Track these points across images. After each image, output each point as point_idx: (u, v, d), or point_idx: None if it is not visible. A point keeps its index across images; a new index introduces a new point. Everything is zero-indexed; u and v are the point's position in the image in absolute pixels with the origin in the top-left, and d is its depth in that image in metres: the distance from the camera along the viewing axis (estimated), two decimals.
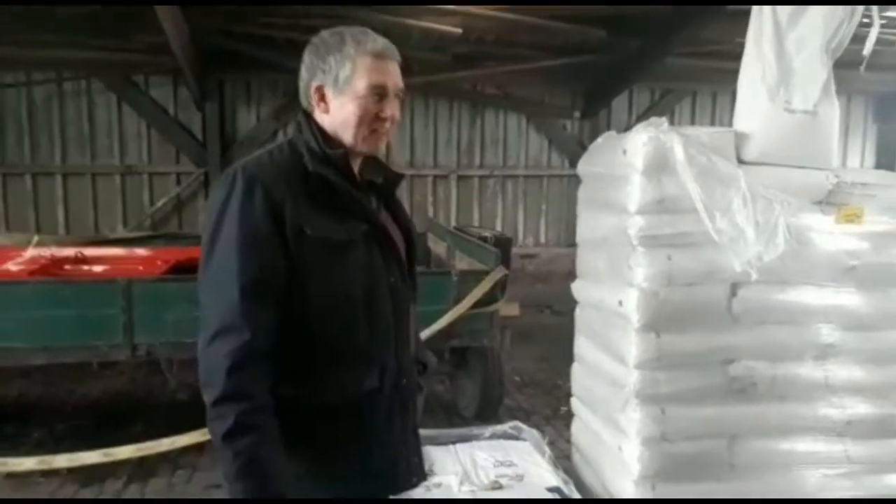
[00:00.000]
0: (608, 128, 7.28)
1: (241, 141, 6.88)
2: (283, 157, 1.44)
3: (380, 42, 1.43)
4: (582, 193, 3.19)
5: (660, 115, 7.68)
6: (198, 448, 3.50)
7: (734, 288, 2.62)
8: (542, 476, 2.95)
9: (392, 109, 1.44)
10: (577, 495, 2.70)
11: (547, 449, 3.18)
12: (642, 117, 7.27)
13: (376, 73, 1.41)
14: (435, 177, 7.35)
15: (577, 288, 3.21)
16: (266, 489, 1.30)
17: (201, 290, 1.37)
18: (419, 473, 1.57)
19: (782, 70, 2.60)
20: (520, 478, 2.90)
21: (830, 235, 2.65)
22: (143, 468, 3.59)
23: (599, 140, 3.12)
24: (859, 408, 2.76)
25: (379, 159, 1.56)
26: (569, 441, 3.39)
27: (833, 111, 2.64)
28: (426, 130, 7.32)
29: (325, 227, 1.39)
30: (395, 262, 1.50)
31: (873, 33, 2.58)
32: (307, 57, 1.46)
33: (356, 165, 1.49)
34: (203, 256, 1.37)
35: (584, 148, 6.91)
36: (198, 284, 1.38)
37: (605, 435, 2.90)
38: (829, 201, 2.67)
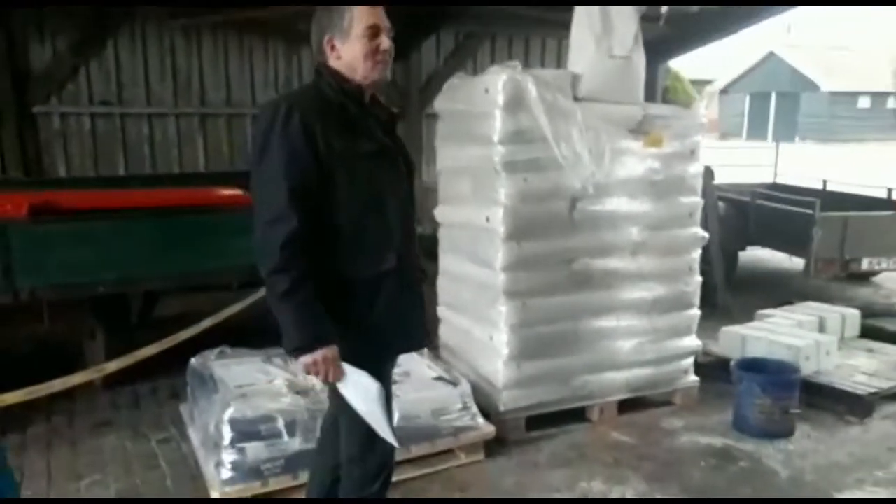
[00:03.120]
0: (420, 69, 7.76)
1: (36, 77, 6.27)
2: (311, 93, 1.86)
3: None
4: (442, 128, 3.65)
5: (463, 57, 8.22)
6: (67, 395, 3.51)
7: (574, 201, 3.27)
8: (423, 371, 3.45)
9: (386, 43, 1.86)
10: (462, 380, 3.24)
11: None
12: (449, 59, 7.84)
13: (369, 16, 1.83)
14: (254, 115, 7.32)
15: (442, 212, 3.71)
16: (322, 331, 1.76)
17: (255, 194, 1.79)
18: (425, 336, 2.10)
19: (605, 22, 3.23)
20: (407, 374, 3.37)
21: (640, 157, 3.40)
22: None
23: (454, 80, 3.58)
24: (660, 289, 3.61)
25: (380, 101, 1.92)
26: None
27: (641, 58, 3.35)
28: (242, 69, 7.23)
29: (347, 143, 1.80)
30: (400, 175, 1.91)
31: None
32: (317, 22, 1.86)
33: (367, 100, 1.90)
34: (255, 166, 1.78)
35: (397, 87, 7.32)
36: (252, 187, 1.79)
37: (476, 330, 3.48)
38: (638, 129, 3.39)
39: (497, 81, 3.09)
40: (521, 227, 3.19)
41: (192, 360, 3.38)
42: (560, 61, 8.14)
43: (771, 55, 30.38)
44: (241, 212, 3.87)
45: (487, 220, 3.23)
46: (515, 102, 3.08)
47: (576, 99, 3.25)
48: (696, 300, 3.77)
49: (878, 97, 29.74)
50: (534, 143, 3.13)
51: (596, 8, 3.22)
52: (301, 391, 3.01)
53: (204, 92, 7.03)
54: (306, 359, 1.77)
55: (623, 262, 3.48)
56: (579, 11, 3.28)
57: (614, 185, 3.35)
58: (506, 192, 3.15)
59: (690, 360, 3.84)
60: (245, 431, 2.78)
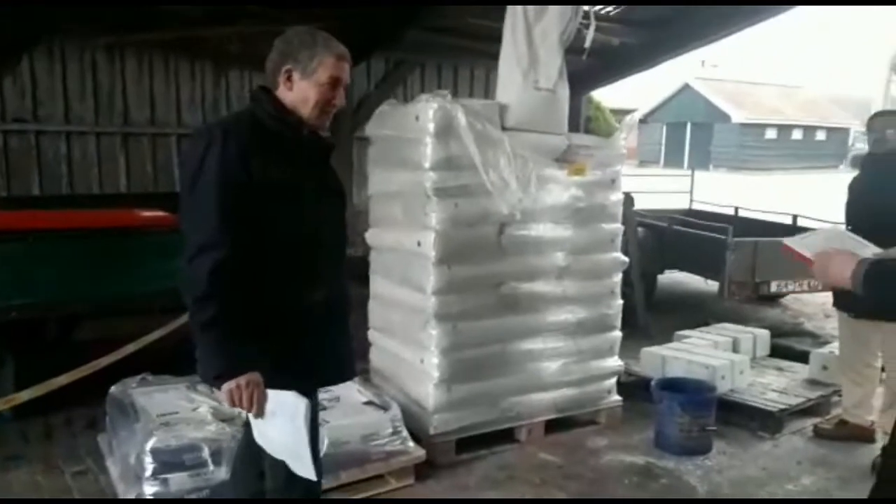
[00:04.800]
0: (351, 93, 7.78)
1: None
2: (247, 119, 1.85)
3: (341, 47, 1.88)
4: (373, 153, 3.69)
5: (393, 83, 8.30)
6: None
7: (502, 227, 3.36)
8: (353, 395, 3.44)
9: (341, 99, 1.90)
10: (392, 405, 3.25)
11: None
12: (380, 84, 7.90)
13: (337, 68, 1.86)
14: (179, 135, 7.16)
15: (373, 235, 3.73)
16: (246, 357, 1.73)
17: (185, 219, 1.75)
18: (352, 370, 2.09)
19: (531, 56, 3.36)
20: (336, 399, 3.35)
21: (565, 185, 3.52)
22: None
23: (385, 107, 3.63)
24: (584, 312, 3.73)
25: (318, 133, 1.94)
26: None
27: (565, 90, 3.49)
28: (168, 89, 7.07)
29: (282, 172, 1.80)
30: (334, 205, 1.92)
31: (591, 30, 3.46)
32: (281, 45, 1.87)
33: (305, 132, 1.91)
34: (186, 192, 1.76)
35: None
36: (182, 212, 1.76)
37: (407, 353, 3.50)
38: (563, 159, 3.52)
39: (428, 110, 3.16)
40: (451, 252, 3.25)
41: (112, 389, 3.26)
42: (487, 91, 8.33)
43: (686, 87, 31.96)
44: (164, 234, 3.84)
45: (419, 244, 3.27)
46: (446, 130, 3.15)
47: (504, 128, 3.36)
48: (618, 322, 3.92)
49: (784, 129, 31.68)
50: (463, 169, 3.21)
51: (523, 42, 3.34)
52: (227, 418, 2.95)
53: (127, 110, 6.82)
54: (229, 384, 1.74)
55: (549, 285, 3.59)
56: (507, 44, 3.40)
57: (540, 211, 3.46)
58: (437, 217, 3.20)
59: (613, 381, 3.97)
60: (168, 462, 2.70)
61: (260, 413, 1.79)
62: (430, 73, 8.64)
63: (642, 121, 32.66)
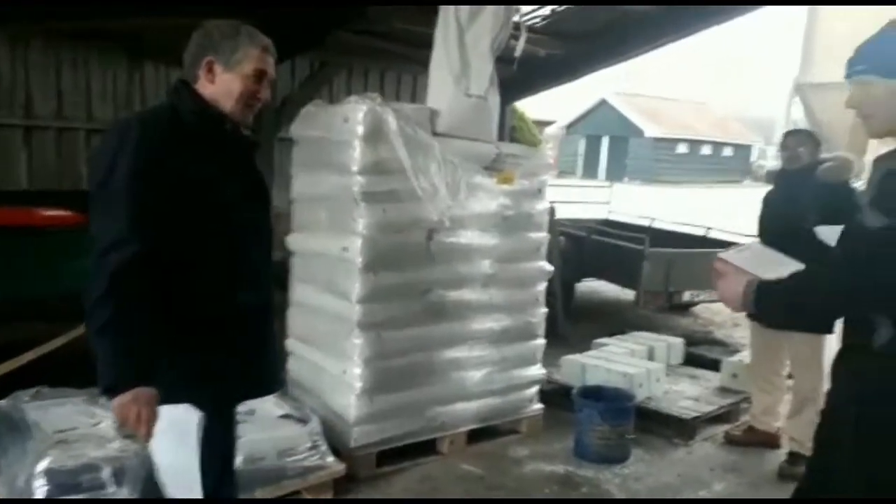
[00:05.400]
0: (275, 91, 7.55)
1: None
2: (166, 114, 1.72)
3: (266, 39, 1.78)
4: (298, 154, 3.57)
5: (320, 84, 8.13)
6: None
7: (431, 233, 3.31)
8: (270, 409, 3.30)
9: (266, 93, 1.80)
10: (312, 418, 3.13)
11: None
12: (305, 84, 7.71)
13: (262, 60, 1.76)
14: (88, 130, 6.75)
15: (296, 240, 3.60)
16: (141, 369, 1.58)
17: (94, 218, 1.60)
18: (278, 381, 1.93)
19: (463, 62, 3.34)
20: (252, 412, 3.20)
21: (493, 193, 3.51)
22: None
23: (311, 108, 3.52)
24: (509, 320, 3.73)
25: (240, 130, 1.82)
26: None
27: (496, 98, 3.48)
28: (76, 81, 6.65)
29: (203, 171, 1.69)
30: (257, 207, 1.80)
31: (522, 40, 3.47)
32: (201, 36, 1.75)
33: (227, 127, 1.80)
34: (96, 188, 1.61)
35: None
36: (91, 210, 1.60)
37: (328, 363, 3.39)
38: (492, 167, 3.51)
39: (357, 112, 3.08)
40: (378, 258, 3.17)
41: (1, 403, 2.99)
42: (414, 97, 8.29)
43: (603, 102, 33.01)
44: (68, 234, 3.58)
45: (345, 249, 3.18)
46: (375, 134, 3.08)
47: (434, 134, 3.31)
48: (542, 330, 3.94)
49: (694, 144, 33.22)
50: (393, 174, 3.14)
51: (454, 48, 3.31)
52: (131, 435, 2.75)
53: (30, 102, 6.37)
54: (118, 400, 1.58)
55: (475, 293, 3.56)
56: (438, 50, 3.36)
57: (469, 218, 3.43)
58: (364, 223, 3.12)
59: (536, 389, 3.99)
60: (63, 483, 2.48)
61: (148, 435, 1.62)
62: (356, 76, 8.52)
63: (563, 132, 33.52)
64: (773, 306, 1.81)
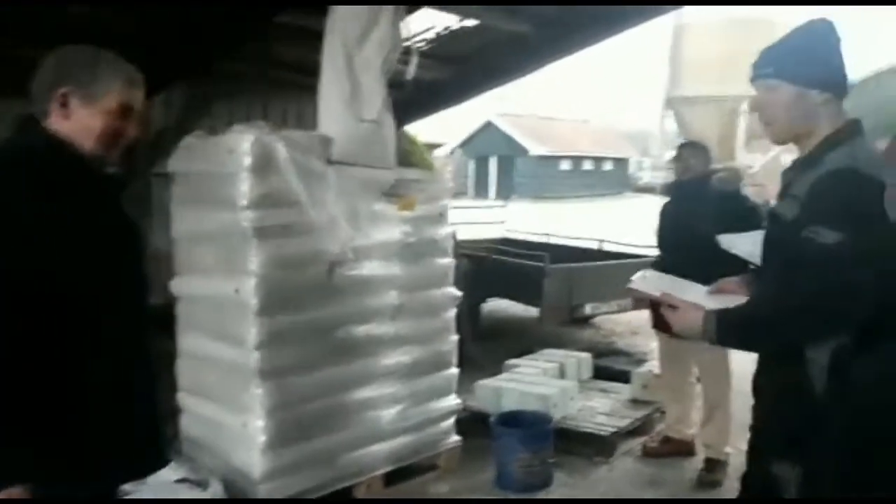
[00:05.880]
0: (146, 126, 7.07)
1: None
2: (19, 154, 1.46)
3: (132, 69, 1.55)
4: (178, 191, 3.26)
5: (198, 114, 7.72)
6: None
7: (332, 267, 3.09)
8: (163, 473, 2.94)
9: (134, 130, 1.56)
10: (211, 481, 2.81)
11: None
12: (181, 116, 7.27)
13: (128, 93, 1.53)
14: None
15: (180, 283, 3.27)
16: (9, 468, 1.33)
17: None
18: (165, 456, 1.65)
19: (354, 87, 3.16)
20: (142, 480, 2.85)
21: (395, 220, 3.35)
22: None
23: (191, 140, 3.23)
24: (419, 351, 3.55)
25: (103, 170, 1.55)
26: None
27: (391, 121, 3.33)
28: None
29: (66, 218, 1.43)
30: (131, 256, 1.53)
31: (413, 63, 3.35)
32: (53, 64, 1.50)
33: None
34: None
35: None
36: None
37: (226, 417, 3.07)
38: (391, 193, 3.35)
39: (243, 142, 2.83)
40: (275, 298, 2.92)
41: None
42: (302, 125, 8.01)
43: (489, 123, 33.83)
44: None
45: (237, 291, 2.90)
46: (264, 164, 2.84)
47: (329, 162, 3.11)
48: (455, 359, 3.80)
49: (577, 160, 34.63)
50: (286, 207, 2.91)
51: (343, 72, 3.14)
52: None
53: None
54: None
55: (383, 327, 3.37)
56: (326, 74, 3.18)
57: (372, 248, 3.25)
58: (257, 261, 2.86)
59: (452, 421, 3.82)
60: None
61: None
62: (238, 105, 8.15)
63: (451, 154, 33.97)
64: (735, 334, 1.81)
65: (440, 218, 3.64)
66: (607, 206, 28.19)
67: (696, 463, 3.82)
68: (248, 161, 2.81)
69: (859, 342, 1.72)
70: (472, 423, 4.08)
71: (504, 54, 6.60)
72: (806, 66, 1.78)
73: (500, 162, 33.68)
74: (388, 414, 3.43)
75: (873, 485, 0.85)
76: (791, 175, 1.85)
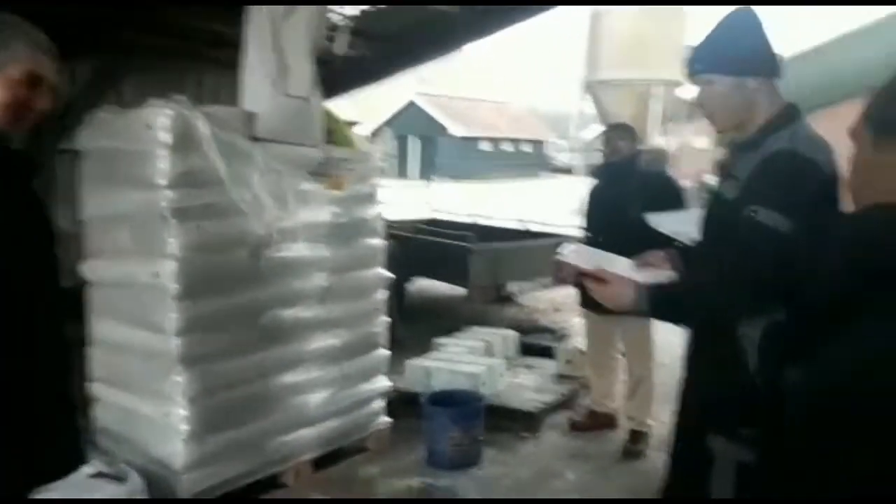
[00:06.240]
0: (63, 94, 6.58)
1: None
2: None
3: (41, 36, 1.44)
4: (88, 168, 3.05)
5: (106, 88, 7.28)
6: None
7: (258, 249, 2.99)
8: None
9: (44, 101, 1.47)
10: (130, 473, 2.68)
11: None
12: (88, 89, 6.83)
13: (33, 61, 1.43)
14: None
15: (92, 267, 3.08)
16: None
17: None
18: (80, 455, 1.53)
19: (280, 62, 3.04)
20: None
21: (323, 200, 3.26)
22: None
23: (102, 114, 3.03)
24: (349, 334, 3.50)
25: (9, 146, 1.40)
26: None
27: (318, 99, 3.23)
28: None
29: None
30: (39, 241, 1.40)
31: (343, 38, 3.25)
32: None
33: None
34: None
35: None
36: None
37: (145, 407, 2.93)
38: (320, 172, 3.26)
39: (161, 117, 2.67)
40: (197, 282, 2.79)
41: None
42: (219, 101, 7.69)
43: (411, 104, 33.62)
44: None
45: (155, 275, 2.75)
46: (184, 141, 2.69)
47: (253, 139, 2.99)
48: (385, 340, 3.76)
49: (497, 142, 34.97)
50: (208, 186, 2.78)
51: (269, 47, 3.01)
52: None
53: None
54: None
55: (312, 310, 3.29)
56: (251, 49, 3.03)
57: (299, 229, 3.15)
58: (177, 243, 2.72)
59: (382, 402, 3.80)
60: None
61: None
62: (150, 79, 7.73)
63: (374, 134, 33.63)
64: (668, 308, 1.84)
65: (370, 198, 3.58)
66: (526, 187, 28.65)
67: (620, 435, 3.94)
68: (166, 137, 2.66)
69: (795, 320, 1.80)
70: (401, 404, 4.06)
71: (429, 33, 6.54)
72: (737, 56, 1.83)
73: (421, 142, 33.62)
74: (317, 398, 3.37)
75: (829, 467, 0.88)
76: (731, 157, 1.90)
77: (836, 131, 1.73)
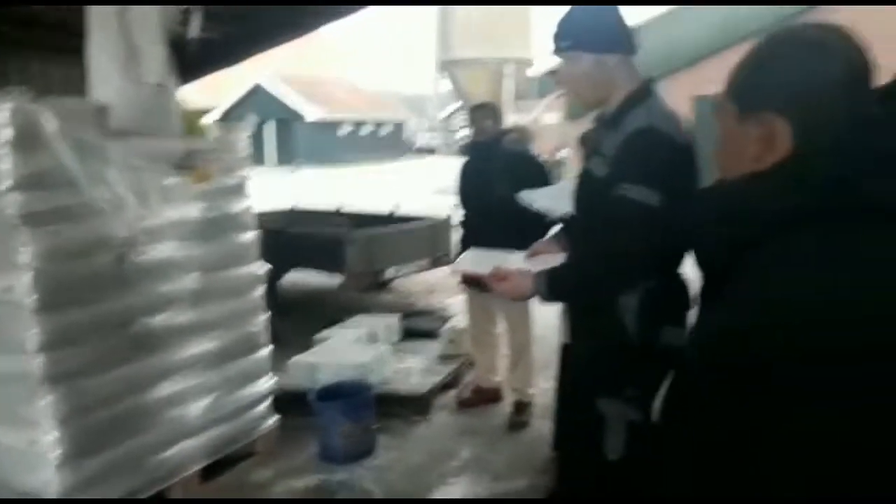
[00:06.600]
0: None
1: None
2: None
3: None
4: None
5: None
6: None
7: (123, 253, 2.76)
8: None
9: None
10: None
11: None
12: None
13: None
14: None
15: None
16: None
17: None
18: None
19: (129, 47, 2.80)
20: None
21: (190, 195, 3.06)
22: None
23: None
24: (229, 335, 3.34)
25: None
26: None
27: (174, 86, 3.02)
28: None
29: None
30: None
31: (196, 21, 3.05)
32: None
33: None
34: None
35: None
36: None
37: (7, 436, 2.64)
38: (183, 165, 3.05)
39: (1, 112, 2.38)
40: (57, 293, 2.54)
41: None
42: (70, 92, 7.00)
43: (260, 87, 32.30)
44: None
45: (9, 290, 2.47)
46: (29, 138, 2.42)
47: (108, 133, 2.74)
48: (266, 339, 3.63)
49: (355, 125, 34.52)
50: (61, 187, 2.52)
51: (116, 30, 2.77)
52: None
53: None
54: None
55: (186, 313, 3.10)
56: (96, 33, 2.78)
57: (165, 228, 2.95)
58: (31, 252, 2.45)
59: (268, 403, 3.67)
60: None
61: None
62: None
63: (221, 120, 32.17)
64: (561, 291, 1.94)
65: (239, 190, 3.41)
66: (390, 170, 28.64)
67: (505, 407, 4.06)
68: (8, 134, 2.38)
69: (668, 287, 1.94)
70: (287, 403, 3.94)
71: (281, 14, 6.32)
72: (597, 33, 1.92)
73: (279, 126, 32.45)
74: (198, 406, 3.20)
75: (708, 420, 0.95)
76: (596, 134, 1.99)
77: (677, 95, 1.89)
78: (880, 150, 0.90)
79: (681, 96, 1.99)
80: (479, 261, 2.19)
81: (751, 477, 0.91)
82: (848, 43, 0.96)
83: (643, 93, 1.93)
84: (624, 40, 1.95)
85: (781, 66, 0.97)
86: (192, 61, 7.01)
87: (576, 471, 2.20)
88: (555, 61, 2.00)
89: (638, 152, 1.82)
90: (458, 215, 4.16)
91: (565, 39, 1.95)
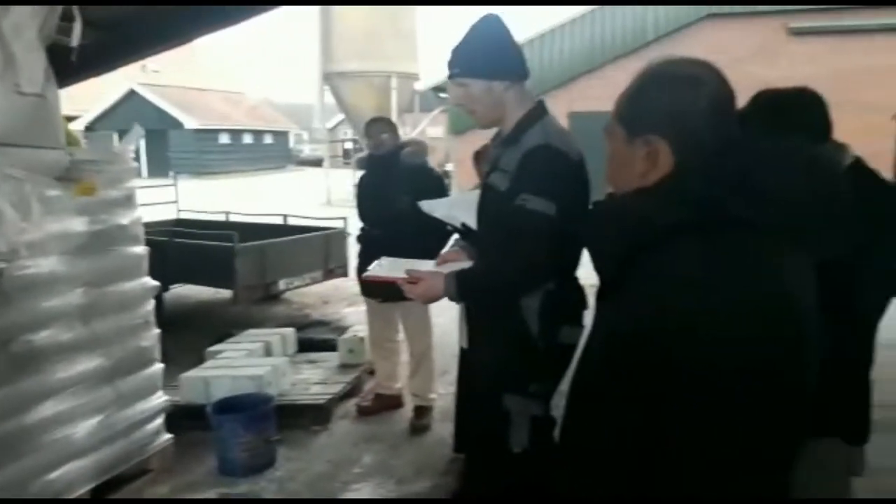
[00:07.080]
0: None
1: None
2: None
3: None
4: None
5: None
6: None
7: (1, 269, 2.61)
8: None
9: None
10: None
11: None
12: None
13: None
14: None
15: None
16: None
17: None
18: None
19: (6, 54, 2.65)
20: None
21: (74, 208, 2.93)
22: None
23: None
24: (119, 351, 3.21)
25: None
26: None
27: (56, 94, 2.88)
28: None
29: None
30: None
31: (77, 28, 2.93)
32: None
33: None
34: None
35: None
36: None
37: None
38: (67, 177, 2.92)
39: None
40: None
41: None
42: None
43: (133, 93, 30.69)
44: None
45: None
46: None
47: None
48: (158, 354, 3.51)
49: (236, 134, 33.45)
50: None
51: None
52: None
53: None
54: None
55: (73, 330, 2.96)
56: None
57: (48, 242, 2.80)
58: None
59: (160, 420, 3.55)
60: None
61: None
62: None
63: (89, 128, 30.28)
64: (472, 291, 2.06)
65: (127, 202, 3.30)
66: (272, 180, 28.01)
67: (406, 413, 4.14)
68: None
69: (565, 290, 2.10)
70: (181, 418, 3.83)
71: (156, 23, 6.11)
72: (486, 61, 2.07)
73: (150, 136, 30.81)
74: (87, 425, 3.06)
75: (606, 412, 1.03)
76: (497, 152, 2.14)
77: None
78: (741, 170, 1.04)
79: (556, 112, 2.17)
80: (391, 268, 2.27)
81: (637, 472, 0.99)
82: (716, 77, 1.10)
83: (538, 113, 2.09)
84: (513, 67, 2.10)
85: (661, 95, 1.09)
86: (68, 69, 6.65)
87: (482, 465, 2.31)
88: (441, 77, 2.13)
89: (536, 167, 1.97)
90: (353, 227, 4.20)
91: (457, 66, 2.09)
